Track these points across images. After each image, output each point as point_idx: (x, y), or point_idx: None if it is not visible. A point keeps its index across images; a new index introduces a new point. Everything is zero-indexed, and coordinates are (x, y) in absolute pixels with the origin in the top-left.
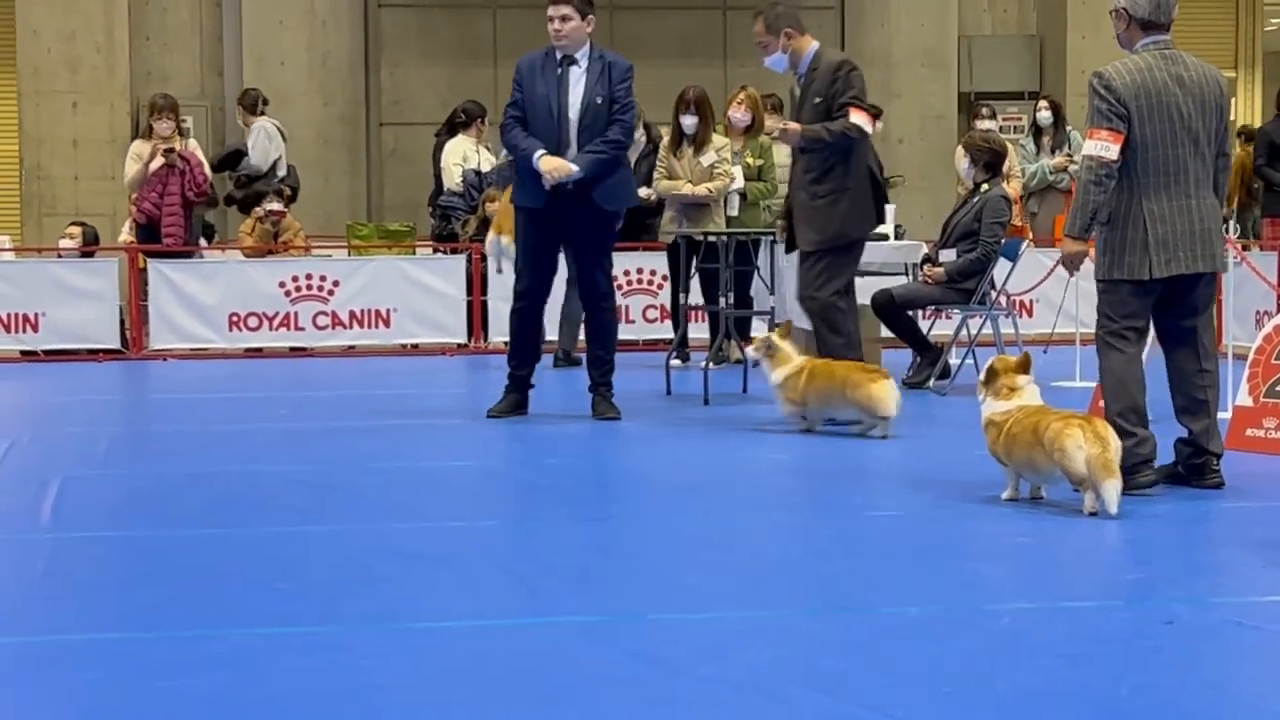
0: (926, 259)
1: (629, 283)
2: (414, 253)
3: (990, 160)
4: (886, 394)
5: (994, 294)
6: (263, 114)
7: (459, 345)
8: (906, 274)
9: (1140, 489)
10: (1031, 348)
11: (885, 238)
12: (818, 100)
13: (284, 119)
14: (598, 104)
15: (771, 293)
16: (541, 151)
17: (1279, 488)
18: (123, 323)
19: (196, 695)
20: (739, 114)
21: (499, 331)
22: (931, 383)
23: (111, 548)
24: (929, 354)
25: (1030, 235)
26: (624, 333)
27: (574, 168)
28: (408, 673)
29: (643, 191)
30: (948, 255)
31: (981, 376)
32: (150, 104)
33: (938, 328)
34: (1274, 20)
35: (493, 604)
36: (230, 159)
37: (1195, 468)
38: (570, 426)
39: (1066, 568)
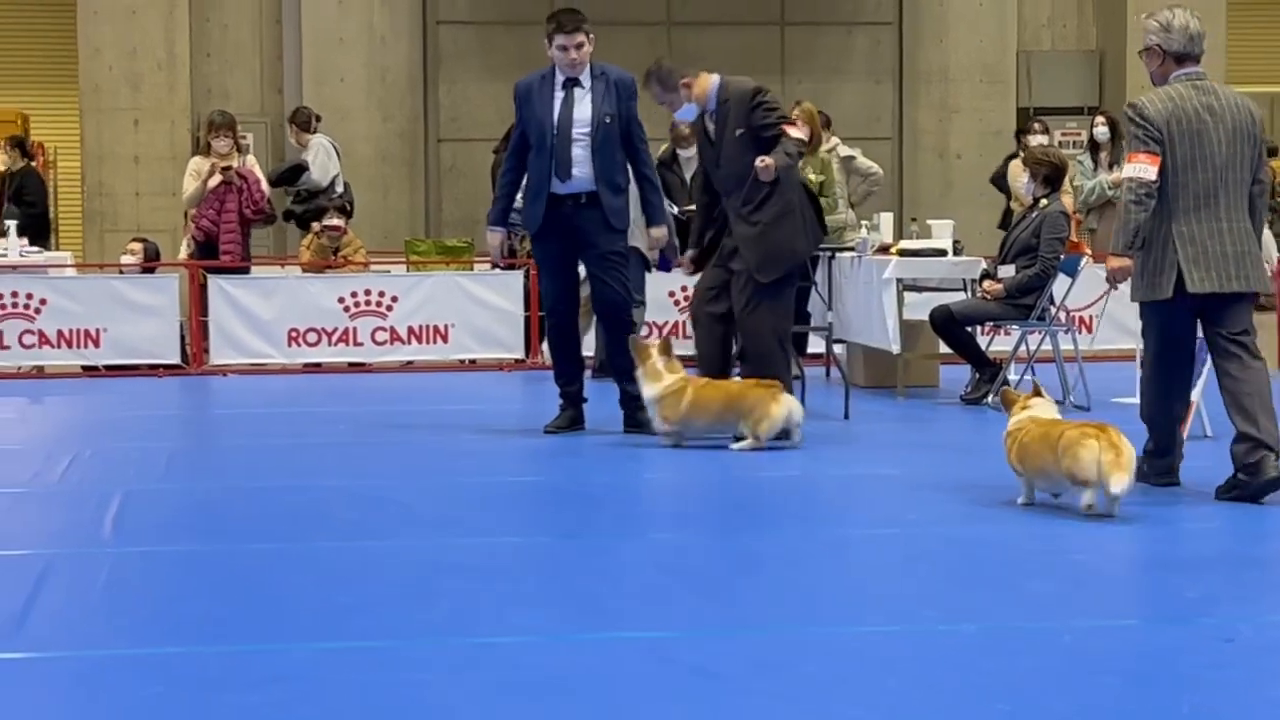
0: (985, 274)
1: (686, 299)
2: (472, 268)
3: (1050, 174)
4: (781, 410)
5: (1053, 310)
6: (317, 131)
7: (516, 361)
8: (965, 290)
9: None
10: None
11: (942, 253)
12: (739, 131)
13: (343, 135)
14: (607, 123)
15: (829, 308)
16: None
17: None
18: (183, 338)
19: (256, 710)
20: (801, 131)
21: None
22: (990, 399)
23: (171, 562)
24: (987, 370)
25: (1089, 251)
26: (680, 348)
27: (663, 232)
28: (467, 688)
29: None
30: (1007, 271)
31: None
32: (208, 121)
33: (996, 344)
34: None
35: (552, 619)
36: (289, 174)
37: (1252, 466)
38: (626, 442)
39: (1125, 584)
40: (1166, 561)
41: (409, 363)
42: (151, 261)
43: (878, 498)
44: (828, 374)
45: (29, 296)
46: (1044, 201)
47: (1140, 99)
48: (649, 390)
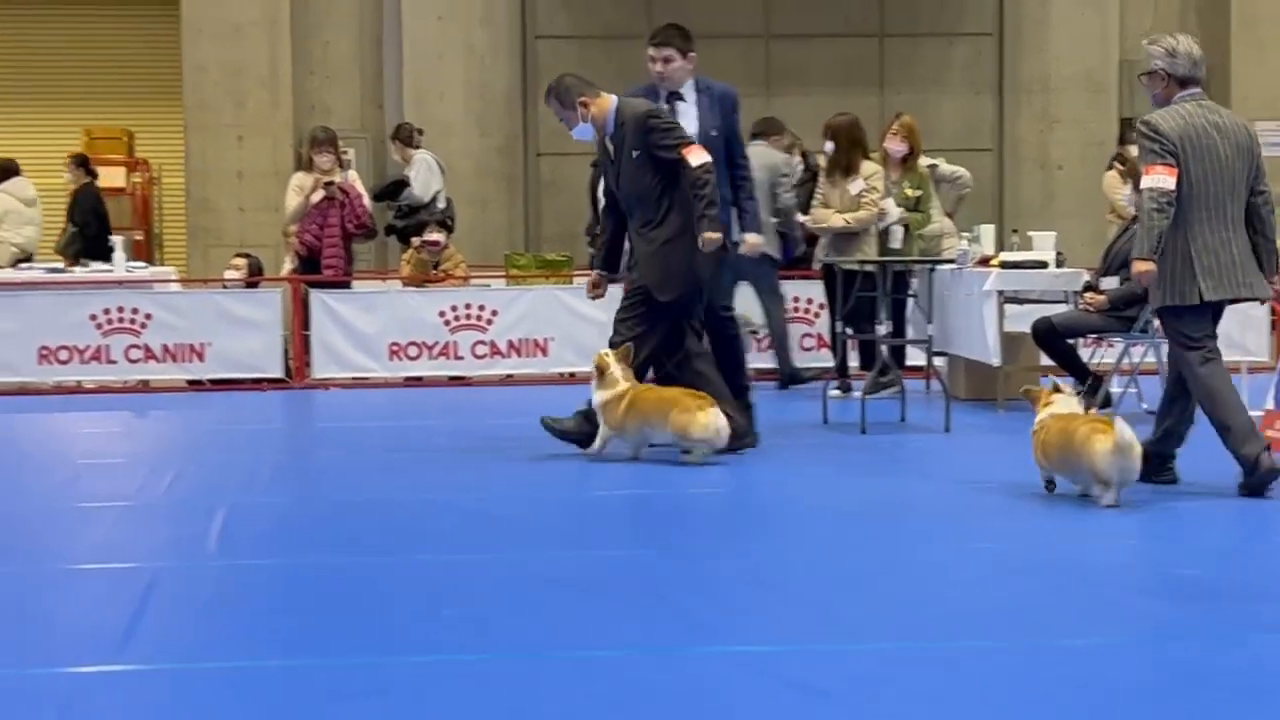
0: (1088, 286)
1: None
2: (571, 282)
3: None
4: (711, 421)
5: (1156, 321)
6: (419, 146)
7: None
8: (1067, 301)
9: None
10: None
11: (1043, 265)
12: (635, 153)
13: (443, 151)
14: (712, 135)
15: (929, 321)
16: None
17: None
18: (286, 352)
19: None
20: (894, 144)
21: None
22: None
23: (275, 575)
24: (1090, 382)
25: None
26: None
27: (759, 238)
28: (567, 702)
29: (802, 217)
30: (1109, 283)
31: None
32: (310, 137)
33: (1099, 356)
34: None
35: (651, 633)
36: (392, 189)
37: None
38: (725, 456)
39: (1238, 598)
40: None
41: (509, 376)
42: (255, 276)
43: (978, 512)
44: (928, 386)
45: (135, 311)
46: None
47: (1152, 116)
48: (595, 397)
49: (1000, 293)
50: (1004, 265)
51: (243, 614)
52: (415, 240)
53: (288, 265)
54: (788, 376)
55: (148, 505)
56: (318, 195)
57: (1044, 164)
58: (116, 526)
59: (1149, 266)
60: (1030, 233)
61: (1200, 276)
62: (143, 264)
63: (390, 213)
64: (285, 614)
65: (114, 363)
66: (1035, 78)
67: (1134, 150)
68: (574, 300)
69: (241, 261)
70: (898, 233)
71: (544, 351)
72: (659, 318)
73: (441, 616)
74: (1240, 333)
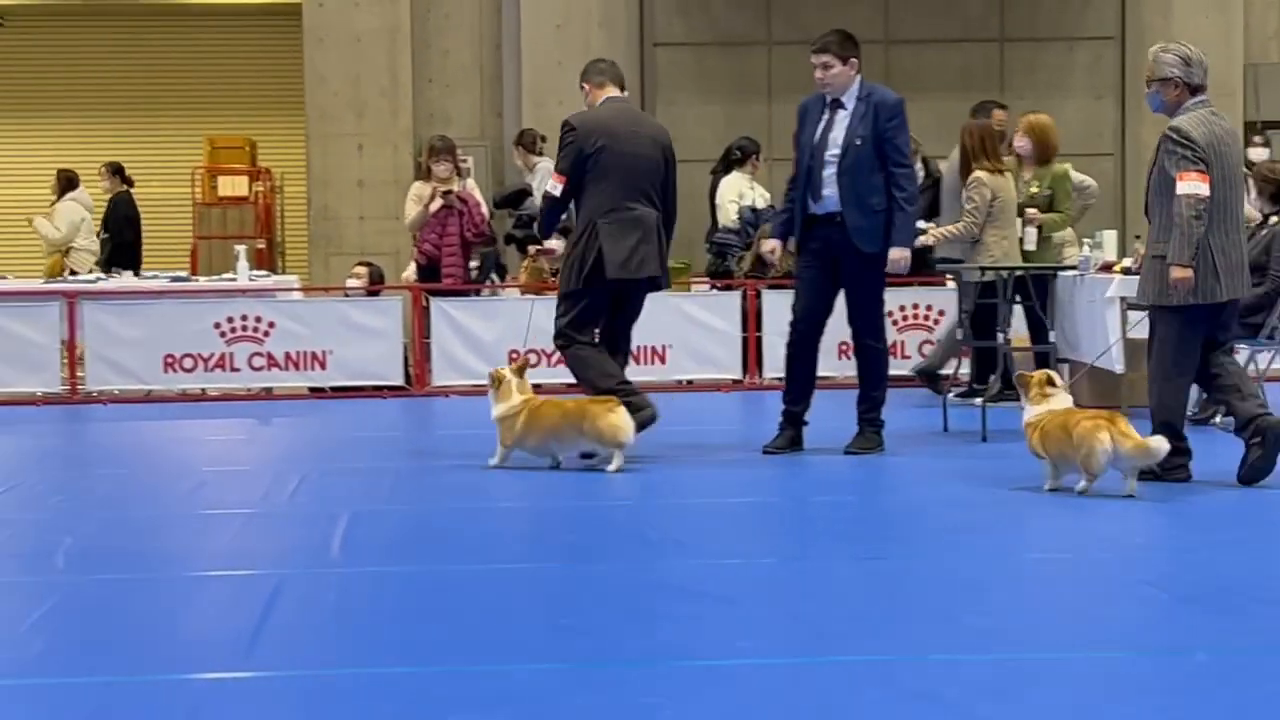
0: None
1: (904, 318)
2: (689, 289)
3: (1277, 191)
4: (622, 423)
5: None
6: (541, 153)
7: (733, 381)
8: None
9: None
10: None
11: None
12: None
13: None
14: (857, 145)
15: (1051, 327)
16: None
17: None
18: (406, 359)
19: None
20: (1020, 143)
21: (774, 368)
22: (1218, 419)
23: (397, 582)
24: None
25: None
26: (897, 368)
27: (901, 253)
28: (691, 712)
29: (921, 224)
30: None
31: (1019, 386)
32: (429, 146)
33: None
34: None
35: (774, 642)
36: (514, 198)
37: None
38: (846, 462)
39: None
40: None
41: None
42: (376, 284)
43: (1097, 518)
44: None
45: (258, 319)
46: (1274, 219)
47: (1181, 123)
48: (494, 411)
49: (1123, 299)
50: (1126, 271)
51: (366, 621)
52: (532, 249)
53: (410, 274)
54: (970, 388)
55: (272, 512)
56: (436, 204)
57: None
58: (241, 533)
59: (1188, 273)
60: None
61: (1221, 277)
62: (265, 272)
63: (510, 220)
64: (407, 621)
65: (237, 370)
66: None
67: (1253, 153)
68: (692, 307)
69: (363, 270)
70: (1030, 234)
71: (661, 359)
72: (577, 307)
73: (562, 625)
74: None
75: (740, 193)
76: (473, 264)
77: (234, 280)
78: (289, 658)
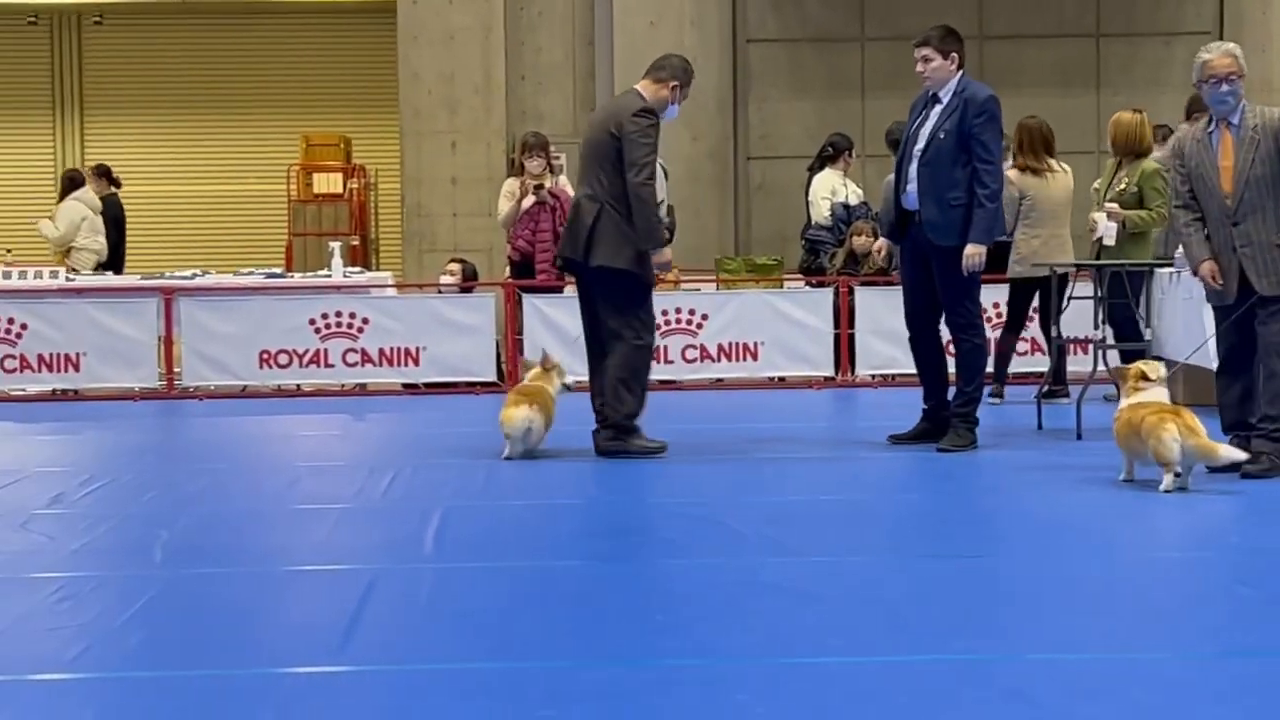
0: None
1: (996, 315)
2: (782, 286)
3: None
4: (512, 415)
5: None
6: None
7: (825, 378)
8: None
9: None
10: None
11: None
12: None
13: None
14: (940, 139)
15: (1147, 325)
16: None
17: None
18: (499, 356)
19: None
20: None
21: (866, 365)
22: None
23: (490, 578)
24: None
25: None
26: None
27: (976, 249)
28: (783, 709)
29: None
30: None
31: (1116, 379)
32: (522, 142)
33: None
34: None
35: (867, 641)
36: None
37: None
38: (942, 460)
39: None
40: None
41: (719, 380)
42: (469, 281)
43: (1194, 518)
44: None
45: (352, 316)
46: None
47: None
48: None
49: None
50: None
51: (459, 616)
52: None
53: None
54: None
55: (366, 507)
56: (529, 200)
57: None
58: (336, 528)
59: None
60: None
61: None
62: (359, 269)
63: None
64: (501, 616)
65: (332, 366)
66: (1256, 77)
67: None
68: (784, 304)
69: (456, 267)
70: (1110, 230)
71: (754, 356)
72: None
73: (656, 621)
74: None
75: (833, 189)
76: None
77: (328, 277)
78: (382, 653)
